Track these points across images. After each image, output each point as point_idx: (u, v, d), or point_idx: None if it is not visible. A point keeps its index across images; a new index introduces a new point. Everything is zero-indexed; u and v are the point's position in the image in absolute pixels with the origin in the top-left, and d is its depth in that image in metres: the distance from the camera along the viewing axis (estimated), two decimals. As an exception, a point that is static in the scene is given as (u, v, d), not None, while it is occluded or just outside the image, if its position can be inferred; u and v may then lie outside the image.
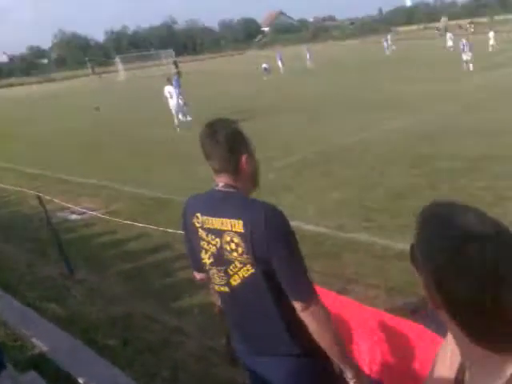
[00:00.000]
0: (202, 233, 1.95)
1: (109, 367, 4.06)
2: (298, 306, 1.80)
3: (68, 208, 7.54)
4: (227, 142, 1.88)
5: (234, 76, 40.39)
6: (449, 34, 38.40)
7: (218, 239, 1.89)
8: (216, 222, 1.88)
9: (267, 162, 8.85)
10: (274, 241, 1.77)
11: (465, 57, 23.42)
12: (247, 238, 1.78)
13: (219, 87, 30.95)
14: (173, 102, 15.74)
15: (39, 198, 5.82)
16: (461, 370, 1.03)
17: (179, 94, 15.65)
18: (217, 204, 1.91)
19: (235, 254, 1.84)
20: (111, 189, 9.82)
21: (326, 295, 2.81)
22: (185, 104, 16.58)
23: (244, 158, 1.92)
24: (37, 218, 7.50)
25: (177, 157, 12.15)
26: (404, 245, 5.78)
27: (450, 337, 1.05)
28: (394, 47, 46.10)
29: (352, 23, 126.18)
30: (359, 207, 7.28)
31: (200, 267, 2.07)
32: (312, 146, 11.60)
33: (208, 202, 1.96)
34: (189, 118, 16.05)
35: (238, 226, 1.80)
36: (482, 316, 0.84)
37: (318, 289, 2.91)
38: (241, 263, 1.84)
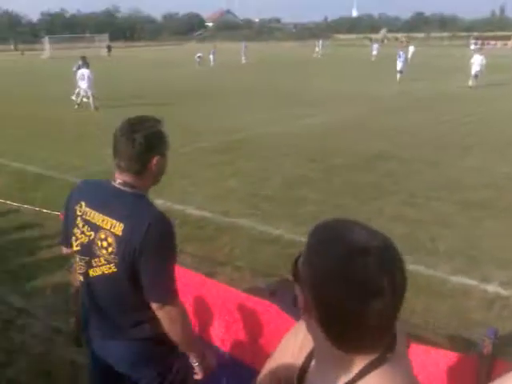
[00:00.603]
0: (79, 221, 1.94)
1: None
2: (154, 305, 1.86)
3: None
4: (143, 143, 1.83)
5: (166, 64, 39.71)
6: (375, 45, 40.69)
7: (92, 232, 1.89)
8: (97, 218, 1.88)
9: (172, 148, 8.82)
10: (146, 249, 1.78)
11: (399, 66, 24.06)
12: (122, 242, 1.79)
13: (146, 73, 30.32)
14: (86, 84, 16.32)
15: None
16: (308, 358, 1.12)
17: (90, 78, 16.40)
18: (106, 200, 1.89)
19: (104, 251, 1.85)
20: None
21: (193, 278, 2.94)
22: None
23: (155, 159, 1.88)
24: None
25: (67, 135, 11.84)
26: (282, 231, 5.77)
27: (303, 324, 1.08)
28: (319, 52, 49.61)
29: (295, 27, 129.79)
30: (250, 195, 7.22)
31: (69, 244, 2.06)
32: (221, 135, 11.49)
33: (98, 194, 1.94)
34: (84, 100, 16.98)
35: (118, 228, 1.81)
36: (347, 323, 0.91)
37: (186, 272, 2.96)
38: (106, 261, 1.85)
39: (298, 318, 2.41)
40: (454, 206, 6.69)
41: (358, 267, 0.88)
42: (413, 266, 4.80)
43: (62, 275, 4.69)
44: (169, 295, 1.86)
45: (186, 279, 2.84)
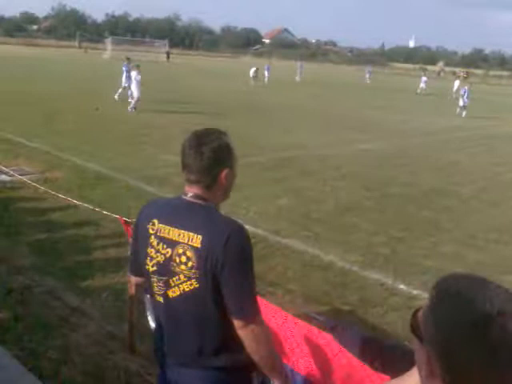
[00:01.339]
0: (153, 240, 1.87)
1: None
2: (237, 323, 1.78)
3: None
4: (212, 156, 1.81)
5: (222, 75, 40.27)
6: (423, 78, 39.43)
7: (169, 249, 1.82)
8: (173, 233, 1.82)
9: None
10: (228, 261, 1.72)
11: (461, 102, 23.60)
12: (202, 253, 1.73)
13: (203, 82, 30.79)
14: (133, 86, 16.87)
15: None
16: None
17: (139, 81, 16.80)
18: (180, 214, 1.84)
19: (183, 267, 1.78)
20: (54, 156, 9.39)
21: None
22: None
23: (224, 172, 1.85)
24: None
25: (126, 137, 12.02)
26: (333, 258, 5.67)
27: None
28: (368, 78, 49.59)
29: (351, 51, 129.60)
30: (302, 216, 7.15)
31: (138, 271, 2.01)
32: (275, 151, 11.50)
33: (170, 210, 1.89)
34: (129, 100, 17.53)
35: (196, 240, 1.75)
36: None
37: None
38: (186, 277, 1.79)
39: (359, 357, 2.38)
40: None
41: (496, 331, 0.82)
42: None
43: (115, 278, 4.76)
44: (253, 312, 1.79)
45: None
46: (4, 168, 6.52)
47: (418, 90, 38.29)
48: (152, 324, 2.81)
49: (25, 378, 3.30)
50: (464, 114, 23.01)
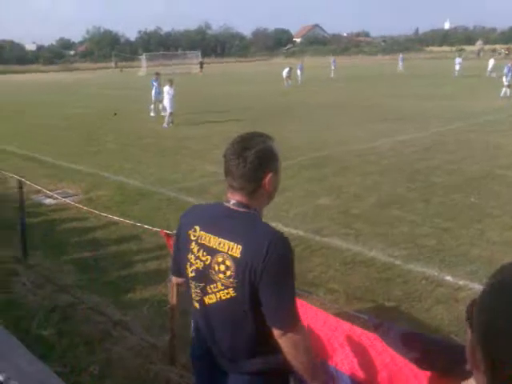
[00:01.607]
0: (194, 246, 1.87)
1: (34, 362, 3.75)
2: (276, 332, 1.77)
3: (45, 192, 7.28)
4: (255, 162, 1.78)
5: (255, 80, 40.36)
6: (458, 60, 38.13)
7: (209, 257, 1.82)
8: (213, 241, 1.81)
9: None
10: (268, 271, 1.70)
11: (505, 81, 22.37)
12: (241, 263, 1.72)
13: (236, 88, 30.97)
14: (165, 101, 16.82)
15: (19, 180, 5.51)
16: None
17: (172, 96, 16.70)
18: (220, 222, 1.82)
19: (221, 275, 1.77)
20: (97, 176, 9.60)
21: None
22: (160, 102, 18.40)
23: (268, 177, 1.81)
24: (12, 199, 7.29)
25: (165, 151, 12.15)
26: (375, 253, 5.54)
27: None
28: (401, 67, 47.70)
29: (384, 40, 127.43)
30: (343, 214, 7.03)
31: (180, 273, 2.01)
32: (312, 150, 11.39)
33: (212, 217, 1.88)
34: (162, 114, 17.67)
35: (236, 250, 1.73)
36: None
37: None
38: (223, 285, 1.78)
39: (403, 355, 2.29)
40: None
41: None
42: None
43: (157, 289, 4.80)
44: (292, 320, 1.77)
45: None
46: (48, 192, 6.72)
47: (456, 73, 37.13)
48: None
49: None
50: (509, 93, 21.97)
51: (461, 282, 4.75)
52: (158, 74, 19.77)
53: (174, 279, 2.15)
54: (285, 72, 33.98)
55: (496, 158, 10.21)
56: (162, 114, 17.46)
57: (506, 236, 5.94)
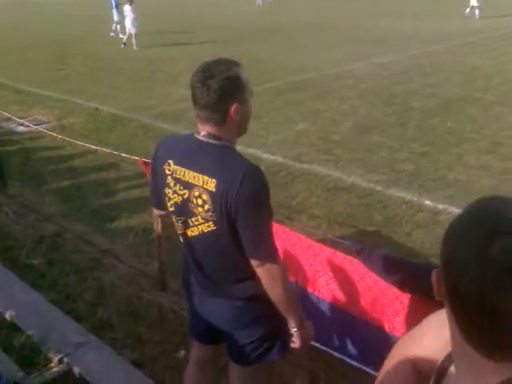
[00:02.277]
0: (170, 181, 1.85)
1: (28, 291, 3.79)
2: (254, 262, 1.79)
3: (16, 119, 7.05)
4: (219, 89, 1.68)
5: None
6: None
7: (186, 191, 1.80)
8: (188, 175, 1.78)
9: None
10: (244, 203, 1.69)
11: (472, 1, 21.41)
12: (217, 197, 1.70)
13: (207, 7, 29.68)
14: (126, 21, 16.21)
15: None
16: (449, 358, 0.95)
17: (134, 17, 16.07)
18: (193, 155, 1.79)
19: (200, 209, 1.76)
20: (69, 102, 9.31)
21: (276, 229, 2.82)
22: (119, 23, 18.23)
23: (234, 107, 1.72)
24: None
25: (134, 74, 11.81)
26: (355, 178, 5.62)
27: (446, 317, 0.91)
28: None
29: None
30: (321, 139, 7.04)
31: (161, 205, 1.99)
32: (289, 74, 11.19)
33: (184, 150, 1.83)
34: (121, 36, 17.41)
35: (211, 184, 1.71)
36: (481, 316, 0.76)
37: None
38: (203, 219, 1.78)
39: (386, 279, 2.39)
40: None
41: (499, 251, 0.72)
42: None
43: (142, 217, 4.81)
44: (269, 252, 1.79)
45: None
46: (20, 120, 6.50)
47: None
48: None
49: (62, 321, 3.40)
50: (477, 13, 21.21)
51: (440, 206, 4.91)
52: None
53: (157, 212, 2.15)
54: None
55: (472, 81, 10.22)
56: (120, 35, 17.01)
57: (482, 160, 6.09)
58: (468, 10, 21.67)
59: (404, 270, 2.35)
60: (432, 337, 1.04)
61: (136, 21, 15.84)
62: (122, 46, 15.91)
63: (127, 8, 15.92)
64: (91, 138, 6.77)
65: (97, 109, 8.05)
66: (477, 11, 21.26)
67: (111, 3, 18.34)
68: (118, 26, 18.21)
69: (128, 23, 15.88)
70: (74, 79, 11.43)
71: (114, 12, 18.29)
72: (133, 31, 15.80)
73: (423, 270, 2.24)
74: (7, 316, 3.39)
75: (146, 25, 16.41)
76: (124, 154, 4.32)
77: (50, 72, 12.25)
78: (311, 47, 14.79)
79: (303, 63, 12.40)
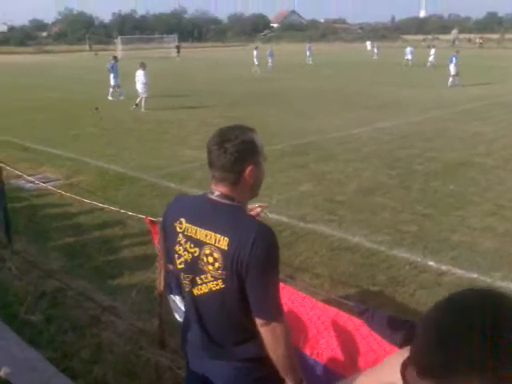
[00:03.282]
0: (181, 238, 1.89)
1: (24, 348, 3.74)
2: (259, 321, 1.81)
3: (25, 177, 7.17)
4: (236, 152, 1.78)
5: (234, 65, 40.05)
6: (408, 49, 37.34)
7: (197, 249, 1.84)
8: (200, 233, 1.83)
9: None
10: (255, 264, 1.73)
11: (452, 70, 22.45)
12: (229, 256, 1.74)
13: (211, 73, 30.71)
14: (138, 86, 16.61)
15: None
16: None
17: (146, 81, 16.59)
18: (206, 214, 1.84)
19: (210, 267, 1.80)
20: (78, 161, 9.49)
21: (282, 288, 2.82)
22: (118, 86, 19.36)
23: (249, 169, 1.82)
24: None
25: (143, 136, 12.09)
26: (359, 239, 5.64)
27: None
28: (375, 54, 49.18)
29: (361, 28, 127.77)
30: (326, 200, 7.11)
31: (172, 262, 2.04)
32: (293, 137, 11.43)
33: (196, 209, 1.89)
34: (121, 98, 18.91)
35: (223, 242, 1.75)
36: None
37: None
38: (212, 277, 1.80)
39: (389, 340, 2.36)
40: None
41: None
42: (504, 283, 4.55)
43: (145, 275, 4.79)
44: (276, 312, 1.81)
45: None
46: (29, 178, 6.62)
47: (406, 62, 36.32)
48: (180, 319, 2.85)
49: (57, 379, 3.34)
50: (457, 80, 22.01)
51: (443, 267, 4.89)
52: (115, 57, 20.02)
53: (171, 267, 2.15)
54: (255, 55, 32.88)
55: (473, 146, 10.41)
56: (121, 97, 17.83)
57: (486, 222, 6.11)
58: (450, 79, 22.36)
59: (407, 331, 2.33)
60: (390, 374, 1.09)
61: (147, 85, 16.30)
62: (134, 106, 16.34)
63: (140, 73, 16.37)
64: (98, 196, 6.86)
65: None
66: (456, 78, 22.10)
67: (108, 70, 19.26)
68: (118, 89, 19.01)
69: (139, 87, 16.32)
70: (83, 139, 11.69)
71: (111, 76, 19.09)
72: (144, 95, 16.24)
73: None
74: (1, 373, 3.32)
75: (153, 88, 16.91)
76: (130, 212, 4.37)
77: (63, 132, 12.56)
78: (313, 112, 15.19)
79: (306, 127, 12.69)
